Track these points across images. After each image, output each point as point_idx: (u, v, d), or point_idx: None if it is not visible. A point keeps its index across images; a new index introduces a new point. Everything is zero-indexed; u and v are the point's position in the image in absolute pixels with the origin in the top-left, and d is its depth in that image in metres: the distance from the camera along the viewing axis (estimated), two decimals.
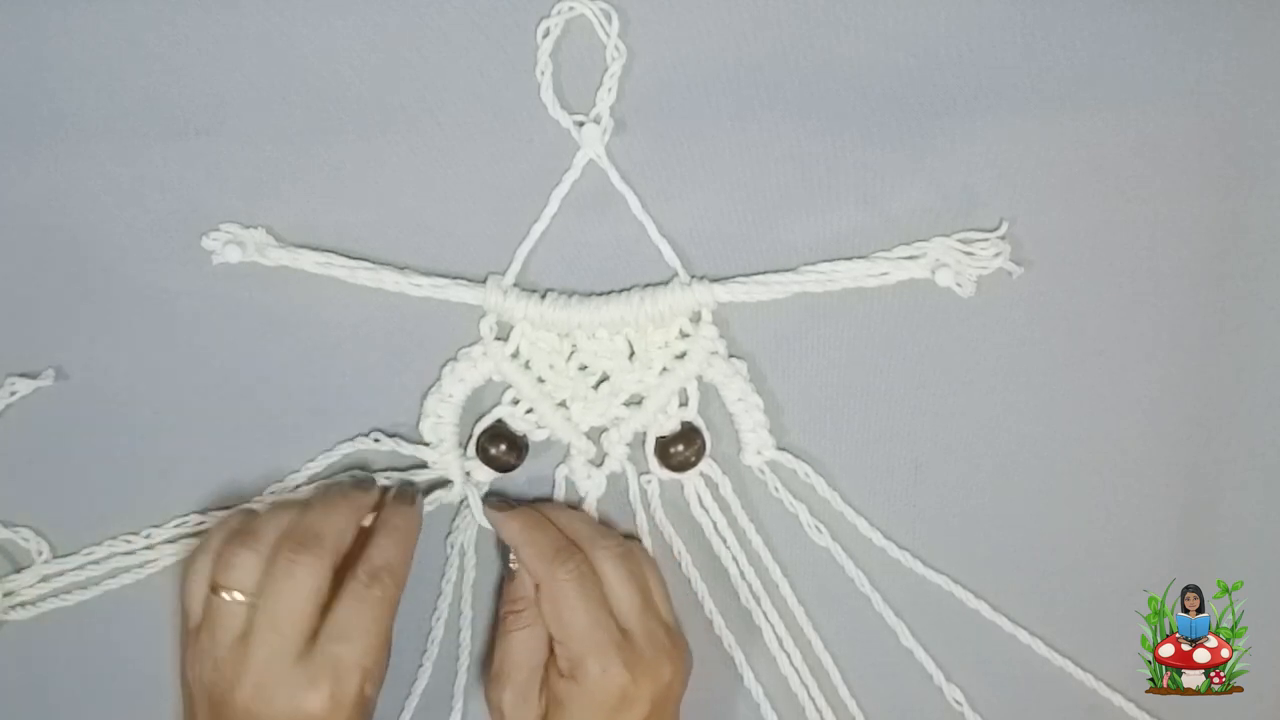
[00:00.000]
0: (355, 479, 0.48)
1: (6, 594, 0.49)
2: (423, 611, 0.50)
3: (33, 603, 0.49)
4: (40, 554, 0.49)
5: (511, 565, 0.48)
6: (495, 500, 0.49)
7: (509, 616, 0.47)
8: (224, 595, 0.42)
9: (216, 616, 0.42)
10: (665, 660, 0.45)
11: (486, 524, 0.49)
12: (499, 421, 0.49)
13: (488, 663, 0.49)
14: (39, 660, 0.50)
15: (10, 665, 0.50)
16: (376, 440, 0.49)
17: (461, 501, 0.49)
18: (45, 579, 0.49)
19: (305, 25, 0.47)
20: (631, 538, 0.49)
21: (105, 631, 0.50)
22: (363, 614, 0.43)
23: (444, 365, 0.48)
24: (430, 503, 0.49)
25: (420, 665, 0.50)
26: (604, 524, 0.49)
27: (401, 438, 0.49)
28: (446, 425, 0.48)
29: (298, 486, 0.49)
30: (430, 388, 0.48)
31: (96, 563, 0.49)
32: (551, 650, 0.46)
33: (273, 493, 0.49)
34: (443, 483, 0.49)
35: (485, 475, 0.49)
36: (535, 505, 0.49)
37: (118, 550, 0.49)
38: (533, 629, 0.46)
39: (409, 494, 0.47)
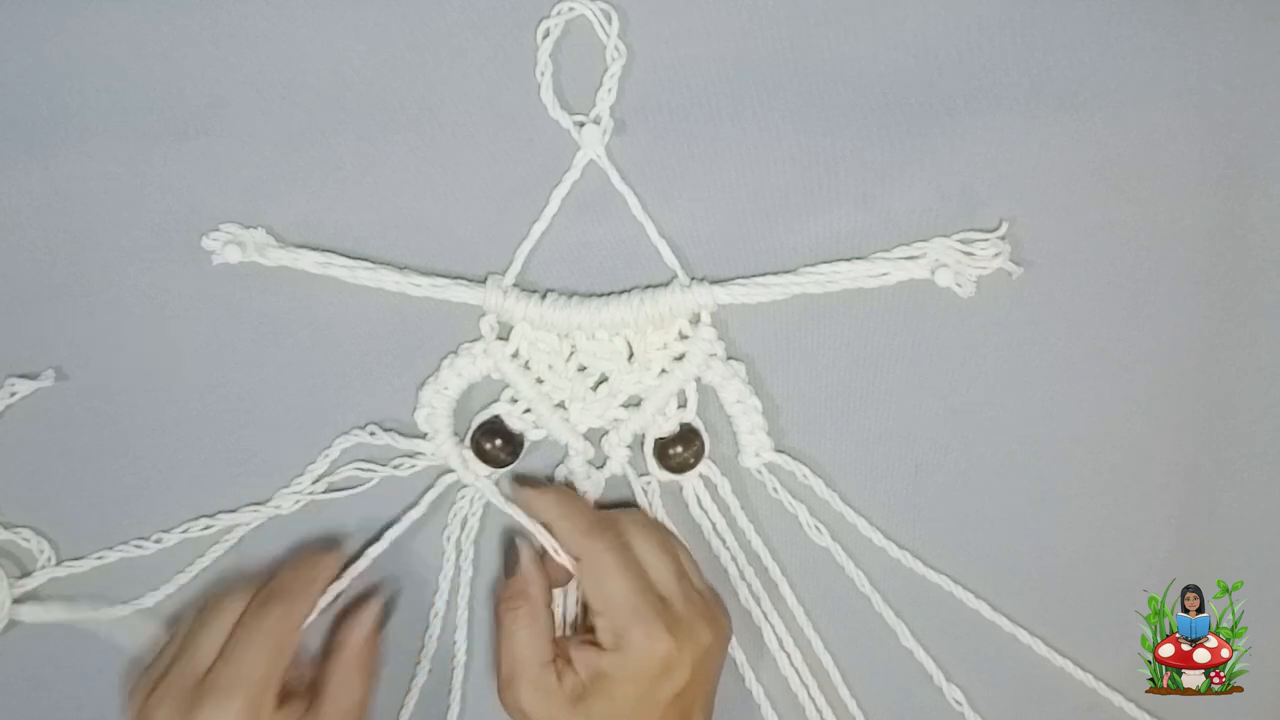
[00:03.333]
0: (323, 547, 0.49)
1: (17, 600, 0.49)
2: (420, 609, 0.50)
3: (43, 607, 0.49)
4: (42, 553, 0.49)
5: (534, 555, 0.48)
6: (524, 478, 0.49)
7: (507, 615, 0.46)
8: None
9: (160, 650, 0.47)
10: (704, 624, 0.45)
11: (497, 502, 0.49)
12: (495, 418, 0.49)
13: (496, 669, 0.47)
14: (45, 664, 0.50)
15: (15, 668, 0.50)
16: (372, 434, 0.49)
17: (457, 500, 0.49)
18: (55, 581, 0.49)
19: (305, 25, 0.47)
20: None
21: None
22: (248, 633, 0.44)
23: (444, 358, 0.48)
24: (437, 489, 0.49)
25: (418, 663, 0.50)
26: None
27: (398, 432, 0.49)
28: (440, 416, 0.48)
29: (302, 489, 0.49)
30: (427, 378, 0.49)
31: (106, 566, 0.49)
32: (588, 627, 0.46)
33: (282, 495, 0.49)
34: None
35: (481, 470, 0.49)
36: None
37: (128, 554, 0.49)
38: (533, 624, 0.46)
39: (333, 548, 0.49)
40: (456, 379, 0.48)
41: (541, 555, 0.48)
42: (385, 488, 0.49)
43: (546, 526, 0.47)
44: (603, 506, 0.50)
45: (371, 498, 0.49)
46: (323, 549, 0.48)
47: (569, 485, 0.50)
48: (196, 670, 0.44)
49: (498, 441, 0.48)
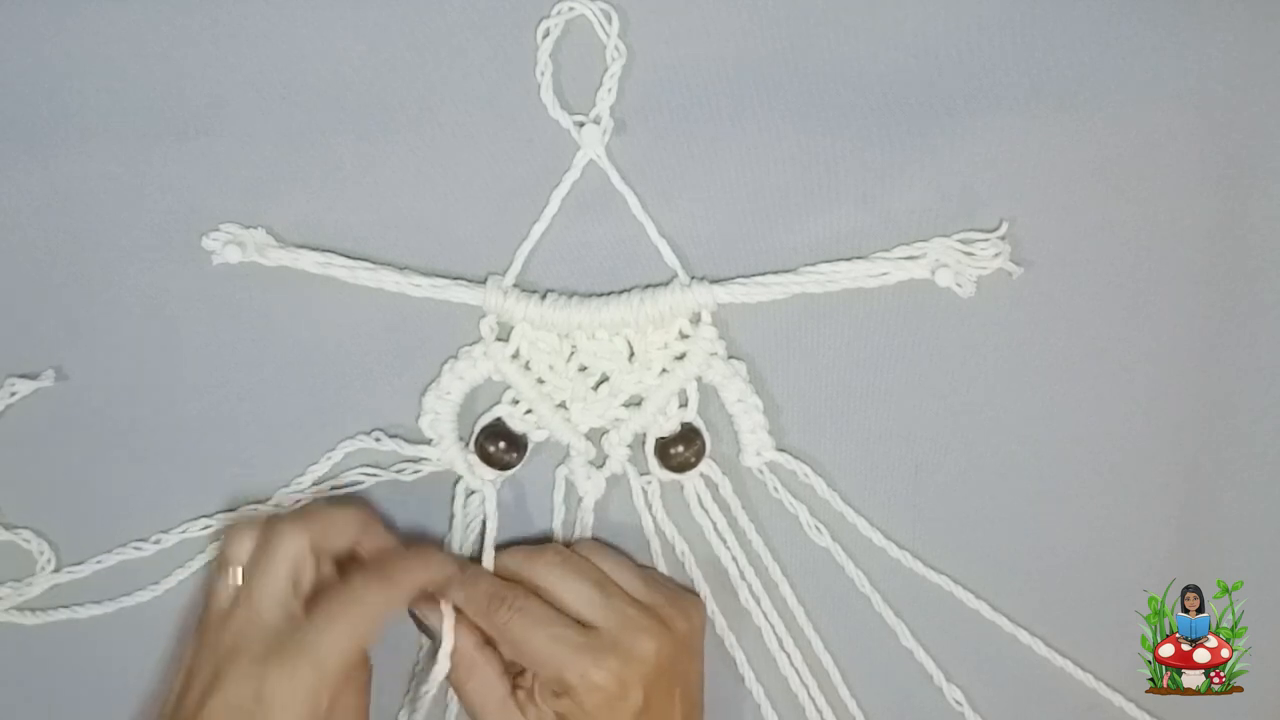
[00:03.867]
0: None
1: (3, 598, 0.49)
2: None
3: (42, 609, 0.49)
4: (42, 554, 0.49)
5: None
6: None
7: (450, 677, 0.46)
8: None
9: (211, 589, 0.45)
10: (642, 637, 0.44)
11: (490, 517, 0.49)
12: (498, 420, 0.49)
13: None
14: (44, 663, 0.50)
15: (14, 668, 0.50)
16: (378, 440, 0.49)
17: (469, 495, 0.49)
18: (55, 586, 0.49)
19: (305, 25, 0.47)
20: (575, 543, 0.49)
21: (110, 637, 0.50)
22: (342, 606, 0.43)
23: (444, 363, 0.48)
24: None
25: (417, 663, 0.50)
26: (541, 542, 0.49)
27: (402, 438, 0.49)
28: (444, 421, 0.48)
29: (303, 489, 0.49)
30: (429, 384, 0.48)
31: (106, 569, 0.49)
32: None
33: (282, 495, 0.49)
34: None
35: (487, 474, 0.49)
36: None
37: (127, 557, 0.49)
38: (471, 674, 0.46)
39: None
40: (458, 383, 0.48)
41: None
42: (384, 487, 0.49)
43: (460, 611, 0.46)
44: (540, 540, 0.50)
45: (371, 497, 0.49)
46: (437, 550, 0.48)
47: (569, 486, 0.50)
48: (267, 619, 0.42)
49: (501, 444, 0.48)
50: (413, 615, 0.48)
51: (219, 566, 0.44)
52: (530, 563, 0.47)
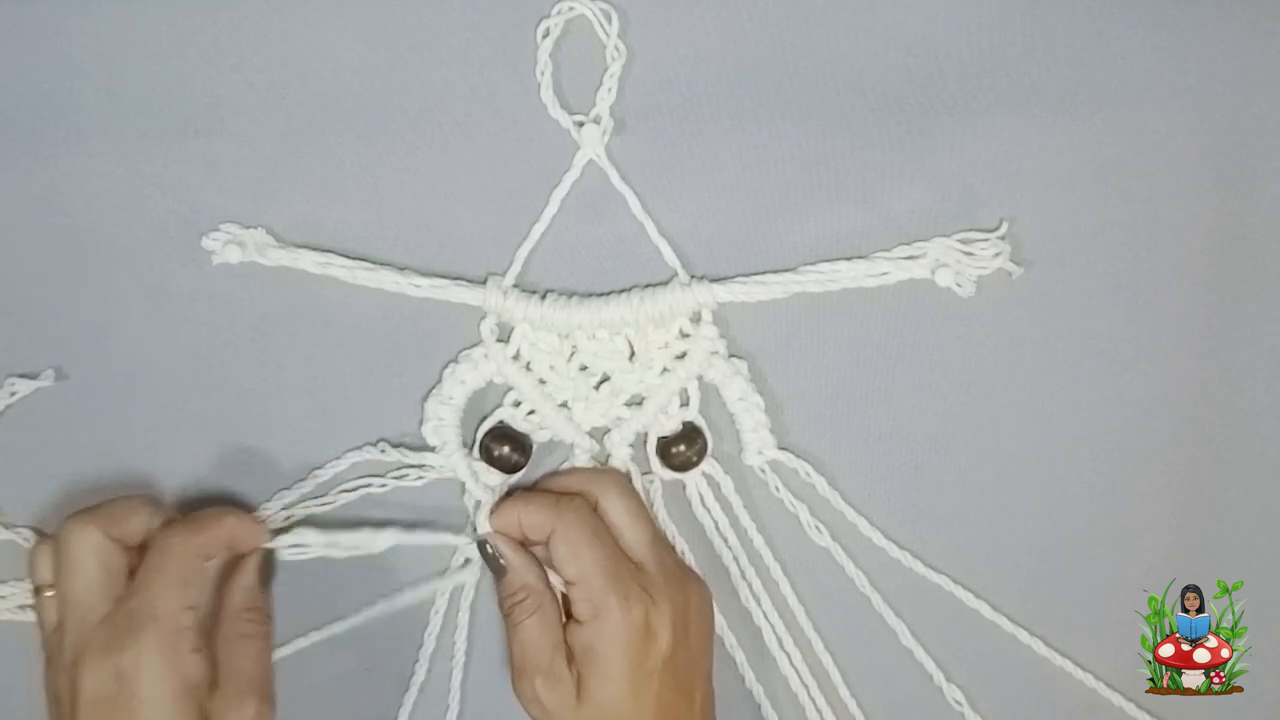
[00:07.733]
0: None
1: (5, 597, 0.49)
2: (421, 608, 0.50)
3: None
4: None
5: (501, 562, 0.47)
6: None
7: (514, 609, 0.46)
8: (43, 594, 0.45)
9: (39, 615, 0.45)
10: (678, 586, 0.45)
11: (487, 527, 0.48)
12: (501, 423, 0.49)
13: (509, 663, 0.47)
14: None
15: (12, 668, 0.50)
16: (383, 452, 0.49)
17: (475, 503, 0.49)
18: None
19: (305, 25, 0.47)
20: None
21: None
22: (148, 565, 0.43)
23: (444, 367, 0.48)
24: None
25: (416, 661, 0.50)
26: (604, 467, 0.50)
27: (406, 446, 0.49)
28: (448, 427, 0.48)
29: (304, 494, 0.49)
30: (430, 390, 0.48)
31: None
32: (569, 614, 0.45)
33: (280, 498, 0.49)
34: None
35: (493, 479, 0.49)
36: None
37: None
38: (540, 612, 0.46)
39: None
40: (460, 387, 0.48)
41: (522, 544, 0.47)
42: (395, 492, 0.49)
43: (520, 522, 0.46)
44: None
45: (370, 500, 0.49)
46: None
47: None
48: (95, 612, 0.43)
49: (506, 448, 0.48)
50: (482, 550, 0.48)
51: (35, 594, 0.45)
52: (596, 481, 0.47)
